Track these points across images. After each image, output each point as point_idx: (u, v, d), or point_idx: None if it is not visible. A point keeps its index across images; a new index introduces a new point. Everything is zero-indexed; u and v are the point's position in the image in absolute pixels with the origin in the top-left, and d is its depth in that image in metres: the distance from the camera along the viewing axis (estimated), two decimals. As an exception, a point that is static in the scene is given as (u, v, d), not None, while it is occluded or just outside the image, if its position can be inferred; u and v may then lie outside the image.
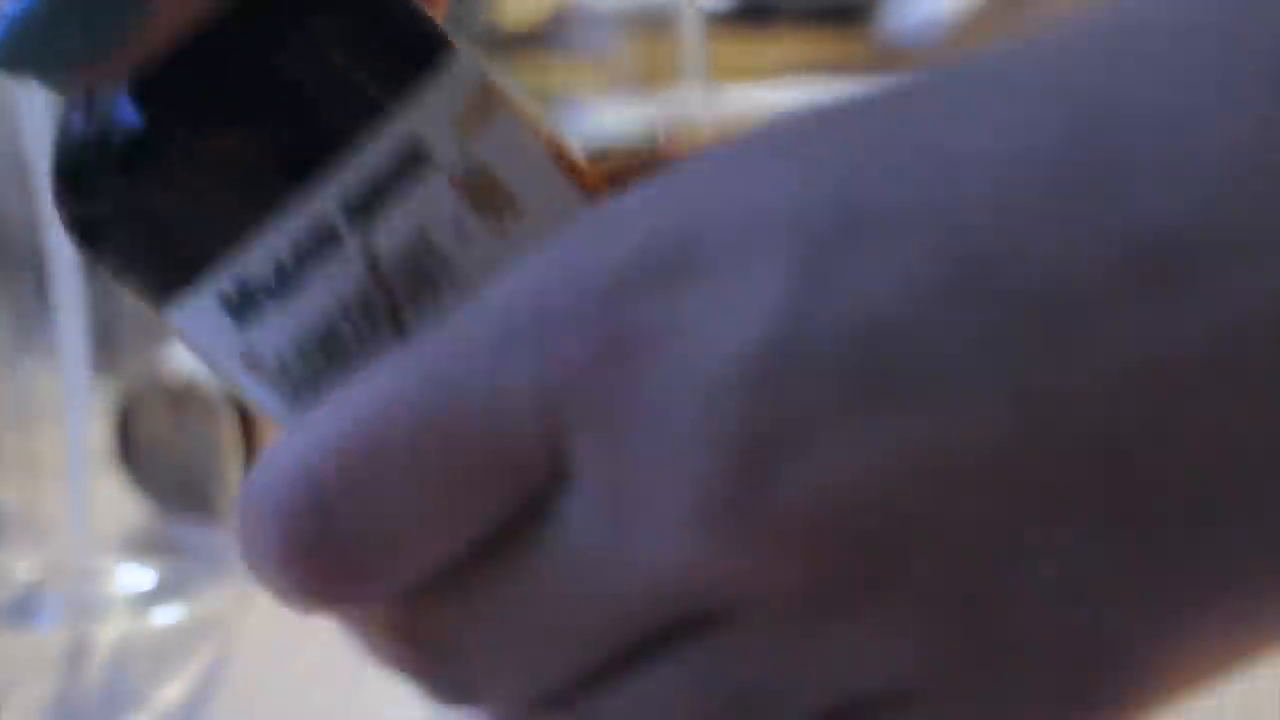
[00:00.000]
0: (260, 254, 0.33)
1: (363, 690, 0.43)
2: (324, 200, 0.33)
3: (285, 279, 0.34)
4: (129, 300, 0.51)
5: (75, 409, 0.48)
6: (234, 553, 0.51)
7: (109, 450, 0.55)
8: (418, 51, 0.35)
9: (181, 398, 0.52)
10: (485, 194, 0.34)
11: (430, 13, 0.35)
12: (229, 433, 0.52)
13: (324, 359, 0.34)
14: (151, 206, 0.33)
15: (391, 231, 0.33)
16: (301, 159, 0.33)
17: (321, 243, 0.33)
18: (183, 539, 0.52)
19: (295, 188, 0.33)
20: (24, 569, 0.51)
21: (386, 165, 0.33)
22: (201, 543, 0.52)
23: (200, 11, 0.32)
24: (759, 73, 0.91)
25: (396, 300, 0.34)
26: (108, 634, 0.48)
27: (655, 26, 0.56)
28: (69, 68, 0.32)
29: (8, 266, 0.50)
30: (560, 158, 0.36)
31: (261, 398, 0.35)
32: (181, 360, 0.53)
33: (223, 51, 0.33)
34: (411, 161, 0.34)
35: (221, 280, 0.34)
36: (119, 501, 0.54)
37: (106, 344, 0.50)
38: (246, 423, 0.56)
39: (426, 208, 0.34)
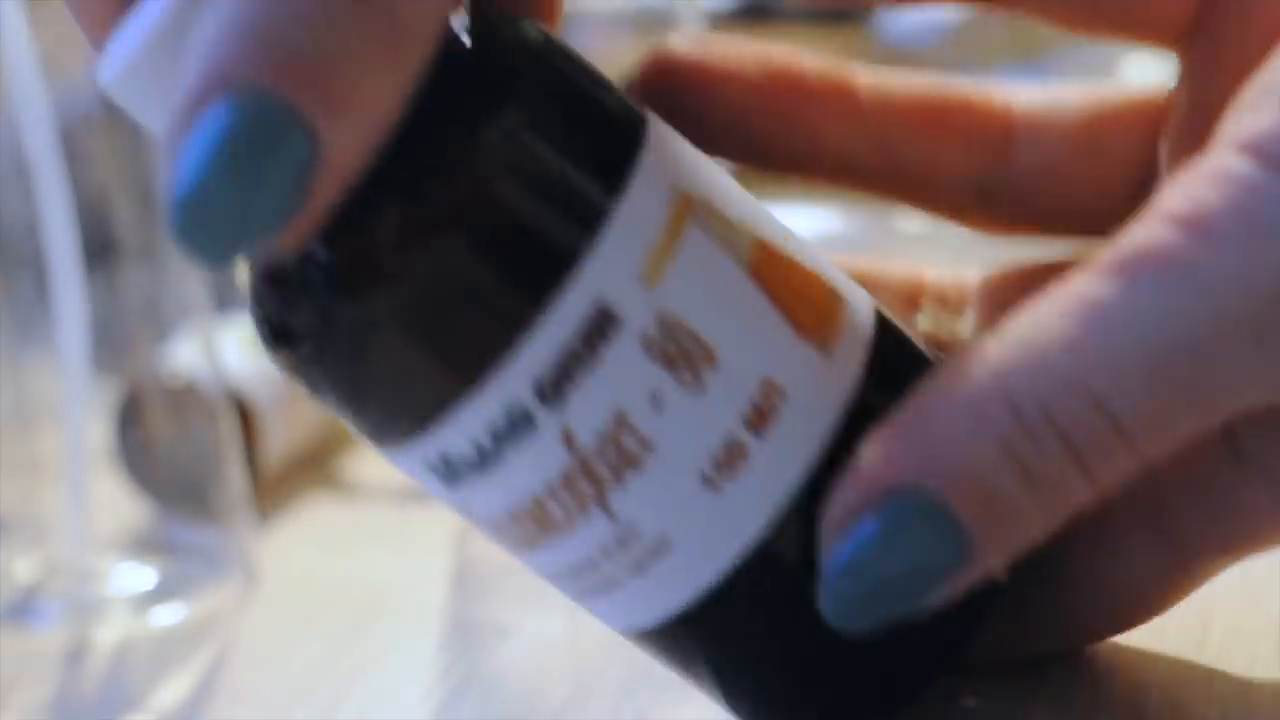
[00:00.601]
0: (458, 432, 0.31)
1: (363, 690, 0.43)
2: (515, 381, 0.31)
3: (485, 458, 0.31)
4: (128, 300, 0.51)
5: (75, 409, 0.48)
6: (234, 553, 0.51)
7: (109, 450, 0.55)
8: (612, 168, 0.31)
9: (181, 398, 0.52)
10: (678, 351, 0.31)
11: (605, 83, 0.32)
12: (229, 433, 0.52)
13: (534, 525, 0.33)
14: (351, 373, 0.31)
15: (586, 410, 0.31)
16: (491, 335, 0.31)
17: (516, 425, 0.31)
18: (183, 539, 0.52)
19: (486, 366, 0.31)
20: (24, 569, 0.51)
21: (574, 336, 0.30)
22: (201, 543, 0.52)
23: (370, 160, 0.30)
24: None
25: (598, 478, 0.32)
26: (108, 634, 0.48)
27: (655, 26, 0.56)
28: (246, 243, 0.29)
29: (8, 266, 0.50)
30: (763, 273, 0.32)
31: (488, 533, 0.34)
32: (181, 360, 0.53)
33: (417, 219, 0.30)
34: (599, 329, 0.31)
35: (426, 449, 0.32)
36: (119, 501, 0.54)
37: (106, 344, 0.50)
38: (246, 423, 0.56)
39: (619, 381, 0.31)
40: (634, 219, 0.31)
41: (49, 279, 0.48)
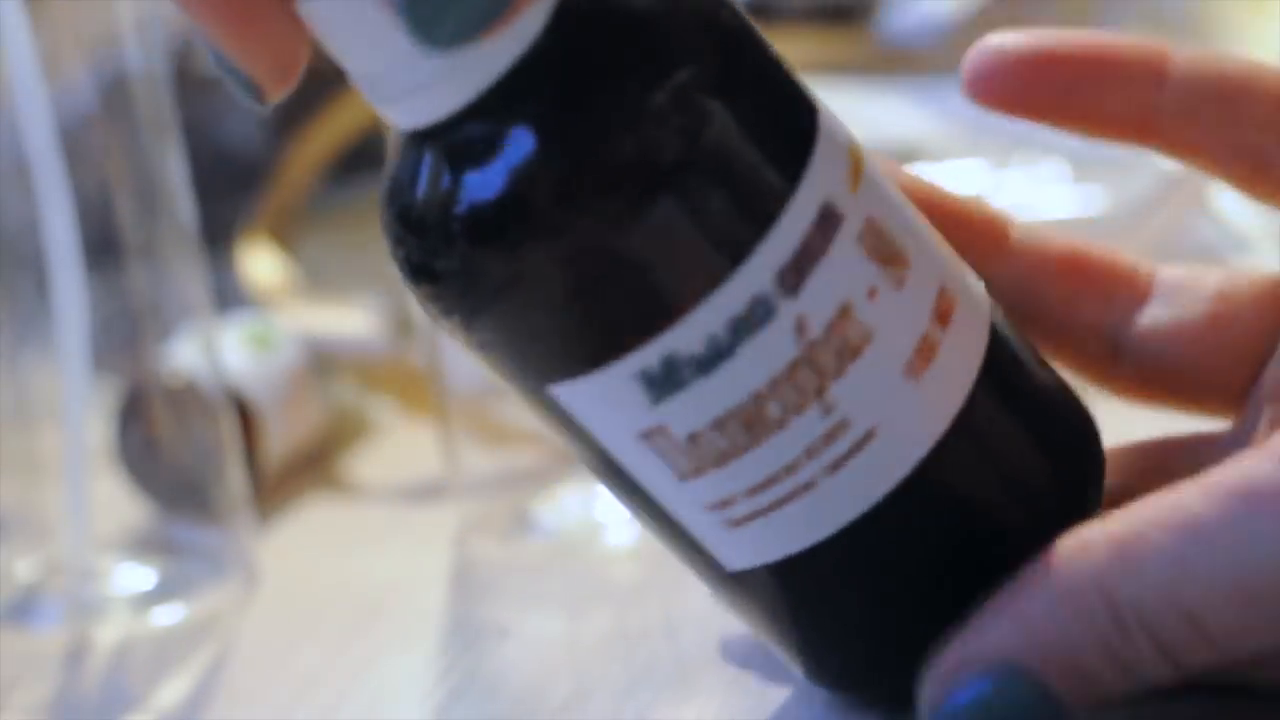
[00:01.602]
0: (693, 330, 0.33)
1: (363, 690, 0.43)
2: (760, 273, 0.33)
3: (717, 353, 0.33)
4: (129, 300, 0.51)
5: (75, 409, 0.48)
6: (234, 553, 0.51)
7: (109, 450, 0.55)
8: (810, 114, 0.35)
9: (181, 398, 0.52)
10: (885, 250, 0.34)
11: None
12: (229, 433, 0.52)
13: (743, 431, 0.34)
14: (573, 278, 0.32)
15: (817, 299, 0.33)
16: (736, 231, 0.33)
17: (756, 315, 0.33)
18: (183, 539, 0.52)
19: (732, 261, 0.33)
20: (24, 569, 0.51)
21: (807, 230, 0.33)
22: (201, 543, 0.52)
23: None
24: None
25: (822, 369, 0.33)
26: (108, 634, 0.48)
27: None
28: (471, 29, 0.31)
29: (8, 266, 0.50)
30: (914, 205, 0.36)
31: (646, 470, 0.34)
32: (181, 360, 0.52)
33: (660, 126, 0.32)
34: (826, 224, 0.33)
35: (646, 356, 0.33)
36: (119, 501, 0.54)
37: (106, 344, 0.50)
38: (246, 423, 0.56)
39: (844, 270, 0.33)
40: (830, 139, 0.34)
41: (49, 279, 0.48)
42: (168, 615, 0.49)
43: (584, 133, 0.32)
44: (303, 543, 0.54)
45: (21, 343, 0.51)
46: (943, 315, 0.35)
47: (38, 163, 0.47)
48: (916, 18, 0.95)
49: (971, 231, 0.40)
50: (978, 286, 0.37)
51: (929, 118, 0.82)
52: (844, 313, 0.33)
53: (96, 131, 0.50)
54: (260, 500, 0.55)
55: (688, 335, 0.33)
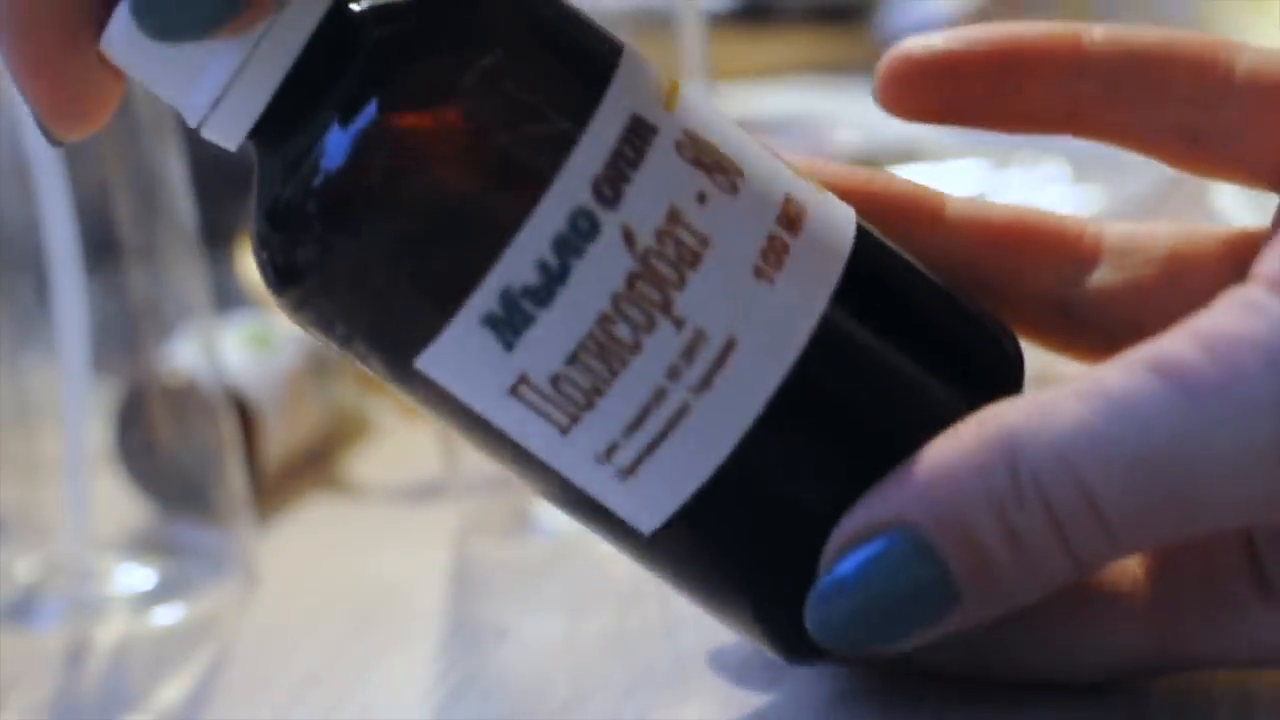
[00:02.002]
0: (521, 257, 0.33)
1: (363, 690, 0.43)
2: (573, 185, 0.33)
3: (550, 279, 0.33)
4: (129, 300, 0.51)
5: (75, 409, 0.48)
6: (234, 553, 0.51)
7: (109, 450, 0.55)
8: (611, 44, 0.36)
9: (181, 398, 0.52)
10: (712, 160, 0.34)
11: None
12: (229, 433, 0.52)
13: (599, 364, 0.34)
14: (405, 230, 0.33)
15: (641, 206, 0.33)
16: (544, 149, 0.33)
17: (579, 230, 0.33)
18: (183, 539, 0.52)
19: (543, 179, 0.33)
20: (24, 569, 0.51)
21: (618, 140, 0.34)
22: (201, 543, 0.52)
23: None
24: (759, 73, 0.91)
25: (662, 279, 0.34)
26: (108, 634, 0.48)
27: (655, 26, 0.56)
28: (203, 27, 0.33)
29: (8, 266, 0.50)
30: (837, 187, 0.37)
31: (529, 433, 0.35)
32: (181, 360, 0.53)
33: (457, 52, 0.33)
34: (638, 134, 0.34)
35: (485, 299, 0.33)
36: (119, 501, 0.54)
37: (106, 344, 0.50)
38: (246, 423, 0.56)
39: (665, 177, 0.34)
40: (637, 66, 0.35)
41: (49, 279, 0.48)
42: (168, 615, 0.49)
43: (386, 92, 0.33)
44: (303, 543, 0.54)
45: (21, 343, 0.51)
46: (791, 220, 0.34)
47: (38, 163, 0.47)
48: (916, 18, 0.95)
49: (903, 209, 0.39)
50: (840, 206, 0.36)
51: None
52: (673, 218, 0.33)
53: (97, 132, 0.50)
54: (260, 500, 0.55)
55: (517, 264, 0.33)
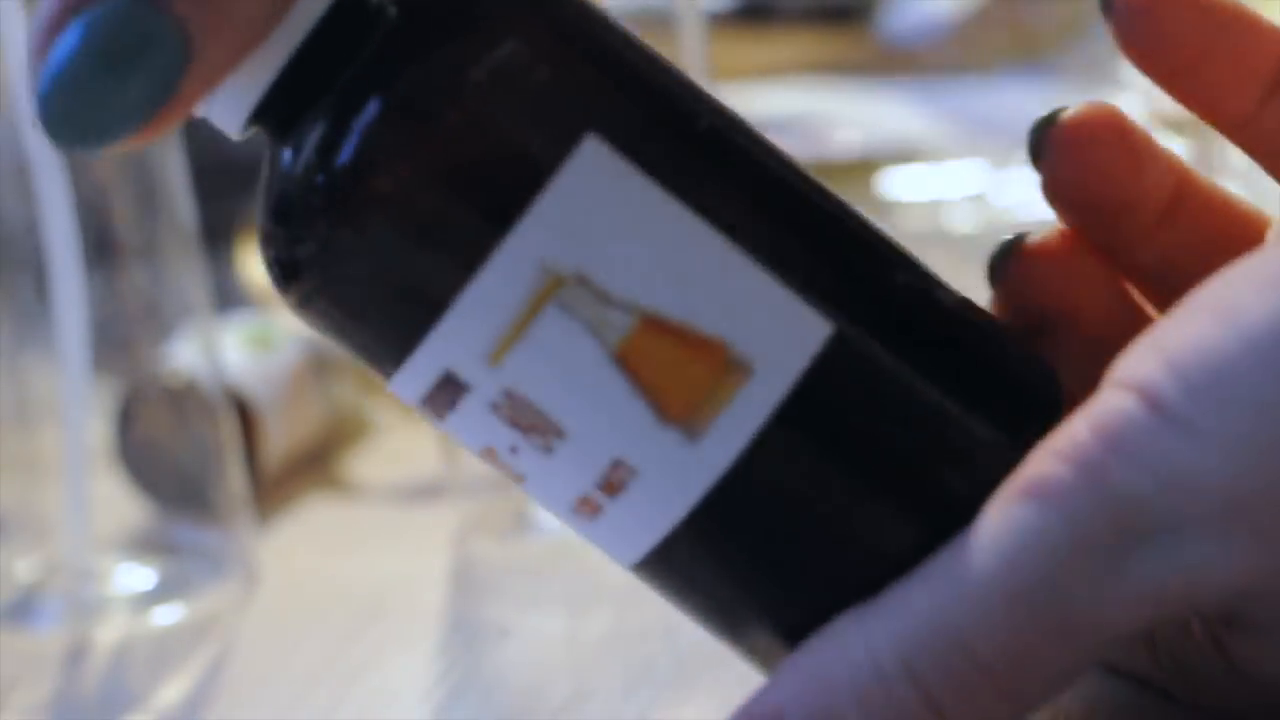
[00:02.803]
0: (414, 375, 0.33)
1: (363, 690, 0.43)
2: (404, 391, 0.33)
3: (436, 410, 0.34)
4: (129, 300, 0.51)
5: (75, 409, 0.48)
6: (234, 553, 0.51)
7: (109, 450, 0.55)
8: (474, 245, 0.33)
9: (181, 398, 0.52)
10: (524, 417, 0.33)
11: None
12: (229, 433, 0.52)
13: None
14: (392, 240, 0.33)
15: (465, 432, 0.33)
16: (385, 352, 0.34)
17: (447, 393, 0.33)
18: (183, 539, 0.52)
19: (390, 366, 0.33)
20: (24, 569, 0.51)
21: (431, 389, 0.33)
22: (201, 543, 0.52)
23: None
24: (759, 73, 0.91)
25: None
26: (108, 634, 0.48)
27: (655, 26, 0.56)
28: (112, 135, 0.32)
29: (8, 266, 0.50)
30: (631, 359, 0.33)
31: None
32: (181, 360, 0.52)
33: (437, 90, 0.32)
34: (449, 389, 0.33)
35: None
36: (119, 501, 0.54)
37: (106, 344, 0.50)
38: (246, 423, 0.56)
39: (476, 430, 0.33)
40: (487, 298, 0.32)
41: (49, 279, 0.48)
42: (168, 615, 0.49)
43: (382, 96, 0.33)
44: (303, 543, 0.54)
45: (21, 343, 0.51)
46: (611, 487, 0.33)
47: (38, 163, 0.47)
48: (916, 18, 0.95)
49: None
50: (727, 418, 0.32)
51: (929, 118, 0.82)
52: (488, 454, 0.33)
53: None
54: (260, 500, 0.55)
55: (411, 379, 0.33)
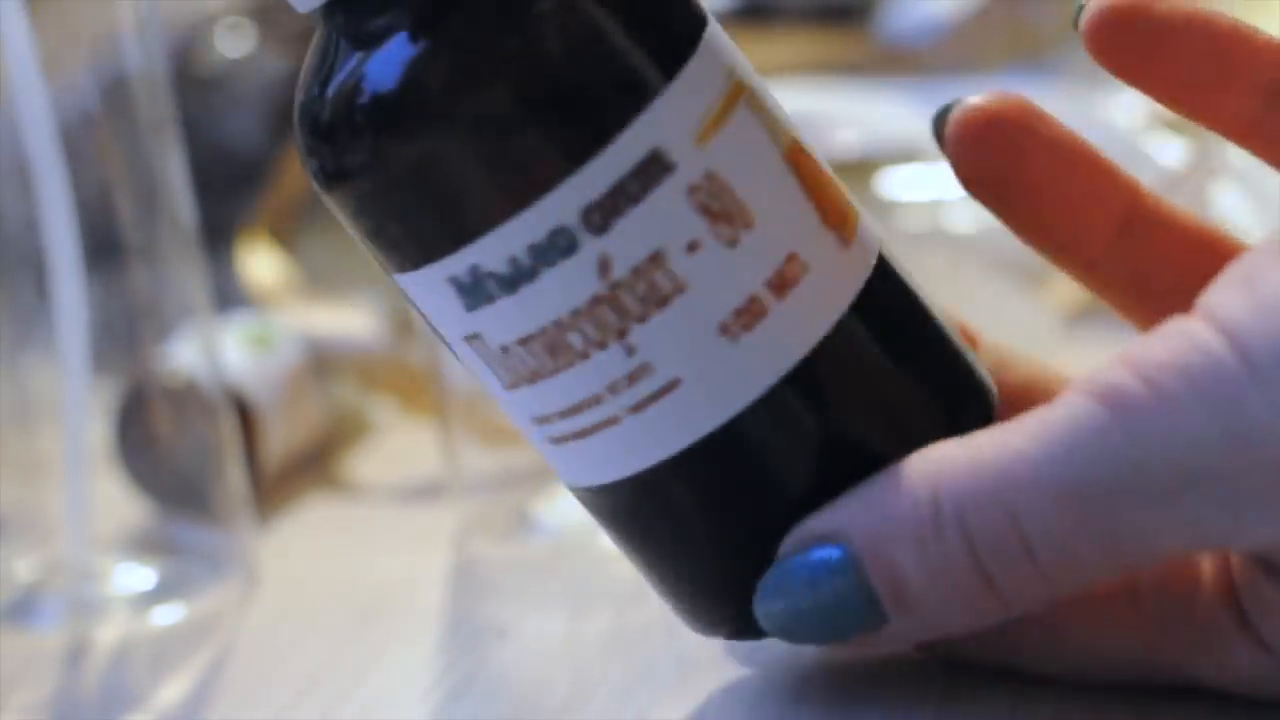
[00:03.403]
0: (496, 246, 0.33)
1: (363, 690, 0.43)
2: (564, 205, 0.33)
3: (519, 274, 0.33)
4: (129, 300, 0.51)
5: (75, 409, 0.48)
6: (234, 553, 0.51)
7: (109, 450, 0.55)
8: (673, 45, 0.34)
9: (181, 398, 0.52)
10: (719, 203, 0.34)
11: None
12: (229, 433, 0.52)
13: (547, 354, 0.34)
14: (400, 179, 0.33)
15: (626, 242, 0.33)
16: (550, 158, 0.33)
17: (557, 246, 0.33)
18: (183, 539, 0.52)
19: (539, 188, 0.33)
20: (24, 569, 0.51)
21: (627, 174, 0.33)
22: (201, 543, 0.52)
23: None
24: (759, 72, 0.91)
25: (625, 310, 0.33)
26: (108, 634, 0.48)
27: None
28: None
29: (8, 266, 0.50)
30: (798, 165, 0.35)
31: (477, 369, 0.35)
32: (181, 360, 0.52)
33: (494, 33, 0.33)
34: (651, 171, 0.33)
35: (456, 264, 0.34)
36: (119, 501, 0.54)
37: (106, 344, 0.50)
38: (246, 423, 0.56)
39: (662, 220, 0.33)
40: (693, 85, 0.34)
41: (49, 279, 0.48)
42: (168, 615, 0.49)
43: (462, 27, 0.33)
44: (303, 543, 0.54)
45: (21, 343, 0.51)
46: (783, 283, 0.34)
47: (38, 163, 0.47)
48: (916, 18, 0.95)
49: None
50: (860, 255, 0.36)
51: (929, 118, 0.81)
52: (655, 260, 0.33)
53: (96, 131, 0.50)
54: (260, 500, 0.55)
55: (492, 251, 0.33)
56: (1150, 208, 0.38)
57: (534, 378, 0.34)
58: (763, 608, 0.35)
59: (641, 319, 0.33)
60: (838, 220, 0.35)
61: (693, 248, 0.33)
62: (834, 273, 0.35)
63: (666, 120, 0.33)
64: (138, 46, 0.50)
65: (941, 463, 0.33)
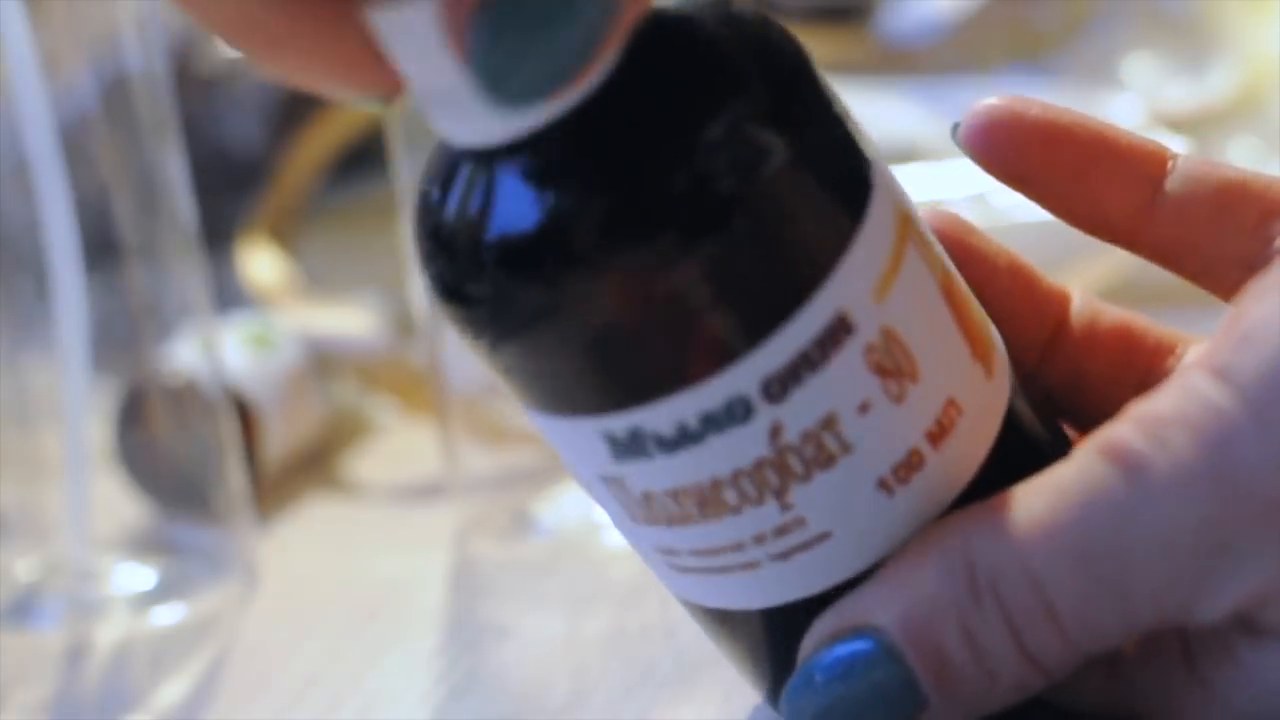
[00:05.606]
0: (665, 413, 0.32)
1: (363, 690, 0.43)
2: (746, 377, 0.31)
3: (684, 438, 0.32)
4: (129, 300, 0.51)
5: (75, 409, 0.48)
6: (234, 553, 0.51)
7: (109, 450, 0.55)
8: (854, 187, 0.32)
9: (181, 398, 0.52)
10: (891, 360, 0.32)
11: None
12: (229, 433, 0.52)
13: (696, 506, 0.33)
14: (548, 332, 0.31)
15: (801, 409, 0.32)
16: (734, 332, 0.31)
17: (733, 416, 0.32)
18: (183, 539, 0.52)
19: (721, 360, 0.31)
20: (24, 569, 0.51)
21: (812, 342, 0.31)
22: (201, 543, 0.52)
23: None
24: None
25: (788, 472, 0.32)
26: (108, 634, 0.48)
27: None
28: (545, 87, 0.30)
29: (8, 266, 0.50)
30: (951, 298, 0.34)
31: (605, 503, 0.34)
32: (181, 360, 0.52)
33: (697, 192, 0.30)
34: (833, 336, 0.32)
35: (615, 423, 0.32)
36: (119, 501, 0.54)
37: (107, 344, 0.50)
38: (246, 423, 0.56)
39: (839, 385, 0.32)
40: (873, 232, 0.32)
41: (49, 279, 0.48)
42: (168, 615, 0.49)
43: (631, 172, 0.30)
44: (303, 543, 0.54)
45: (21, 343, 0.51)
46: (941, 431, 0.33)
47: (38, 163, 0.47)
48: (916, 18, 0.95)
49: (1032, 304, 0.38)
50: (993, 382, 0.34)
51: (929, 118, 0.81)
52: (826, 424, 0.32)
53: (96, 131, 0.50)
54: (260, 500, 0.55)
55: (659, 416, 0.32)
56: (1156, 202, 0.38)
57: (673, 521, 0.33)
58: (793, 706, 0.34)
59: (804, 479, 0.32)
60: (983, 352, 0.34)
61: (864, 409, 0.32)
62: (983, 413, 0.34)
63: (851, 278, 0.31)
64: (138, 46, 0.50)
65: (967, 536, 0.32)
